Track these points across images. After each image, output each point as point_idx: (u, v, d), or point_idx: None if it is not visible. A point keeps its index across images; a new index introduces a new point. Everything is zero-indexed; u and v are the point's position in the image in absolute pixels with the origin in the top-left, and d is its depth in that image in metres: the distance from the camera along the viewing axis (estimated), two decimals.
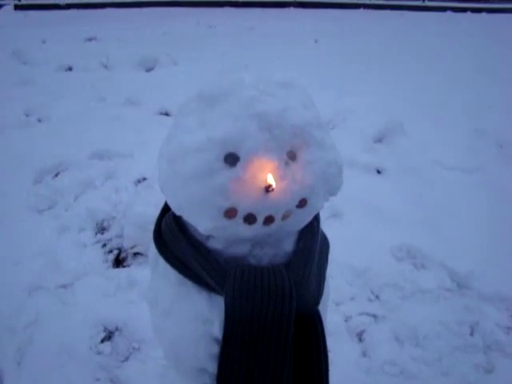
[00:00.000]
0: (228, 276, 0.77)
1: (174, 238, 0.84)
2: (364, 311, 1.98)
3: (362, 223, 2.52)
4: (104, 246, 2.40)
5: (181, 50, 6.22)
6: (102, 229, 2.52)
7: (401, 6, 13.49)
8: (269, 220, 0.75)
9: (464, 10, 12.95)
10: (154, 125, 3.85)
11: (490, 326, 1.89)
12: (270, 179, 0.71)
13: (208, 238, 0.82)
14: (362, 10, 12.66)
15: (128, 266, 2.27)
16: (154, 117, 4.12)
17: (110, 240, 2.43)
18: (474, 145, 3.44)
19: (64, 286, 2.13)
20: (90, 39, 6.96)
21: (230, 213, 0.73)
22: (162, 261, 0.88)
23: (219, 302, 0.80)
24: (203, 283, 0.81)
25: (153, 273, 0.93)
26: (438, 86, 5.07)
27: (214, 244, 0.81)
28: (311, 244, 0.84)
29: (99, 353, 1.82)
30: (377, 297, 2.06)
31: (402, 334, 1.87)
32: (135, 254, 2.32)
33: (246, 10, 11.84)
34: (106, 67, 5.53)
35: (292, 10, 12.38)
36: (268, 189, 0.72)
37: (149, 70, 5.56)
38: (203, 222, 0.74)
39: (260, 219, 0.75)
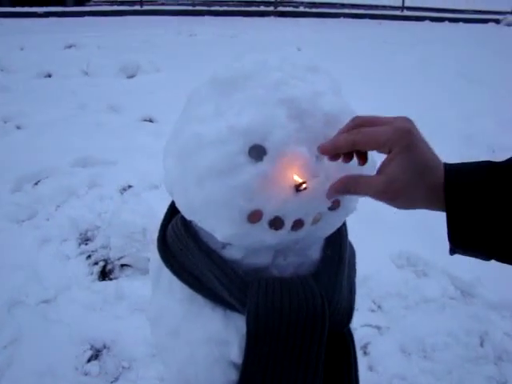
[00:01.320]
0: (250, 290, 0.66)
1: (183, 246, 0.72)
2: (367, 322, 1.88)
3: (358, 230, 2.40)
4: (89, 257, 2.28)
5: (163, 58, 6.14)
6: (86, 239, 2.40)
7: (380, 15, 13.63)
8: (298, 224, 0.65)
9: (442, 19, 13.12)
10: (137, 131, 3.76)
11: (499, 336, 1.81)
12: (302, 176, 0.61)
13: (224, 246, 0.70)
14: (341, 19, 12.72)
15: (115, 278, 2.15)
16: (138, 123, 4.02)
17: (95, 251, 2.30)
18: (467, 151, 3.39)
19: (46, 301, 2.00)
20: (69, 46, 6.83)
21: (254, 216, 0.62)
22: (166, 273, 0.77)
23: (237, 320, 0.69)
24: (218, 298, 0.70)
25: (155, 287, 0.81)
26: (423, 93, 5.04)
27: (232, 253, 0.70)
28: (340, 251, 0.74)
29: (86, 373, 1.69)
30: (379, 307, 1.97)
31: (408, 345, 1.78)
32: (122, 266, 2.20)
33: (227, 18, 11.83)
34: (86, 74, 5.40)
35: (273, 19, 12.39)
36: (299, 188, 0.61)
37: (131, 76, 5.46)
38: (222, 227, 0.63)
39: (288, 224, 0.64)
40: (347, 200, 0.67)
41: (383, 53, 7.43)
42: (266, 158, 0.60)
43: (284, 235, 0.65)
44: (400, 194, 0.56)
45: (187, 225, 0.73)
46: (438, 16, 13.56)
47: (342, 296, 0.71)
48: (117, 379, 1.67)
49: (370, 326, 1.87)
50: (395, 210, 0.62)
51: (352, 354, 0.75)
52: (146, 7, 12.43)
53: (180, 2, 14.28)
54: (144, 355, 1.74)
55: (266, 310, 0.64)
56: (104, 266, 2.22)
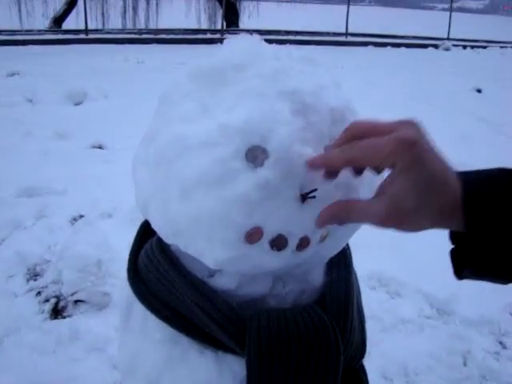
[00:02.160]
0: (249, 327, 0.54)
1: (161, 276, 0.59)
2: None
3: None
4: (38, 294, 2.09)
5: (110, 84, 6.00)
6: (34, 274, 2.21)
7: (325, 41, 13.95)
8: (303, 243, 0.54)
9: (384, 44, 13.57)
10: (87, 159, 3.60)
11: (481, 354, 1.75)
12: (310, 184, 0.50)
13: (212, 274, 0.58)
14: (288, 46, 12.90)
15: (69, 316, 1.97)
16: (87, 150, 3.86)
17: (46, 287, 2.12)
18: None
19: None
20: (12, 74, 6.57)
21: (254, 235, 0.50)
22: (139, 310, 0.64)
23: (232, 363, 0.57)
24: (207, 338, 0.57)
25: (124, 328, 0.68)
26: (375, 114, 5.09)
27: (223, 282, 0.57)
28: (346, 273, 0.63)
29: None
30: None
31: (389, 370, 1.69)
32: (76, 302, 2.03)
33: (174, 46, 11.82)
34: (31, 101, 5.18)
35: (220, 46, 12.44)
36: (305, 198, 0.50)
37: (78, 103, 5.29)
38: (214, 250, 0.51)
39: (292, 243, 0.53)
40: None
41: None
42: (267, 163, 0.49)
43: (287, 257, 0.54)
44: (406, 218, 0.47)
45: (165, 249, 0.61)
46: (381, 41, 14.03)
47: (353, 326, 0.60)
48: None
49: None
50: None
51: None
52: (91, 35, 12.25)
53: (126, 31, 14.17)
54: None
55: (270, 350, 0.53)
56: (56, 303, 2.04)
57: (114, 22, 14.88)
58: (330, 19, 15.62)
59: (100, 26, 14.38)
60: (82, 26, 12.64)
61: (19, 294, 2.08)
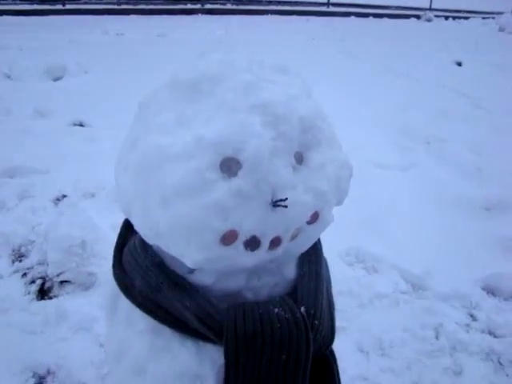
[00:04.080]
0: (226, 320, 0.59)
1: (144, 274, 0.63)
2: None
3: None
4: (24, 275, 2.10)
5: (90, 58, 5.89)
6: (19, 256, 2.22)
7: (306, 11, 13.81)
8: (275, 243, 0.58)
9: (366, 15, 13.49)
10: (68, 137, 3.55)
11: (453, 327, 1.83)
12: (280, 190, 0.55)
13: (192, 270, 0.63)
14: (269, 16, 12.80)
15: (55, 296, 2.00)
16: (68, 128, 3.81)
17: (31, 268, 2.13)
18: (403, 143, 3.45)
19: None
20: None
21: (229, 237, 0.55)
22: (124, 303, 0.68)
23: (211, 351, 0.62)
24: (188, 329, 0.62)
25: (111, 319, 0.72)
26: (357, 87, 5.12)
27: (202, 278, 0.62)
28: (317, 266, 0.68)
29: None
30: None
31: (365, 344, 1.76)
32: (62, 283, 2.05)
33: (154, 17, 11.61)
34: (9, 77, 5.08)
35: (200, 17, 12.28)
36: (276, 203, 0.55)
37: (57, 79, 5.19)
38: (192, 252, 0.55)
39: (265, 243, 0.57)
40: (326, 211, 0.61)
41: (312, 49, 7.51)
42: (241, 173, 0.53)
43: (261, 256, 0.59)
44: None
45: (147, 248, 0.65)
46: (363, 12, 13.94)
47: (323, 315, 0.65)
48: None
49: None
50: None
51: (336, 376, 0.70)
52: (68, 6, 11.98)
53: (104, 1, 13.87)
54: (93, 378, 1.62)
55: (245, 340, 0.58)
56: (42, 284, 2.06)
57: None
58: None
59: None
60: None
61: (5, 276, 2.09)
